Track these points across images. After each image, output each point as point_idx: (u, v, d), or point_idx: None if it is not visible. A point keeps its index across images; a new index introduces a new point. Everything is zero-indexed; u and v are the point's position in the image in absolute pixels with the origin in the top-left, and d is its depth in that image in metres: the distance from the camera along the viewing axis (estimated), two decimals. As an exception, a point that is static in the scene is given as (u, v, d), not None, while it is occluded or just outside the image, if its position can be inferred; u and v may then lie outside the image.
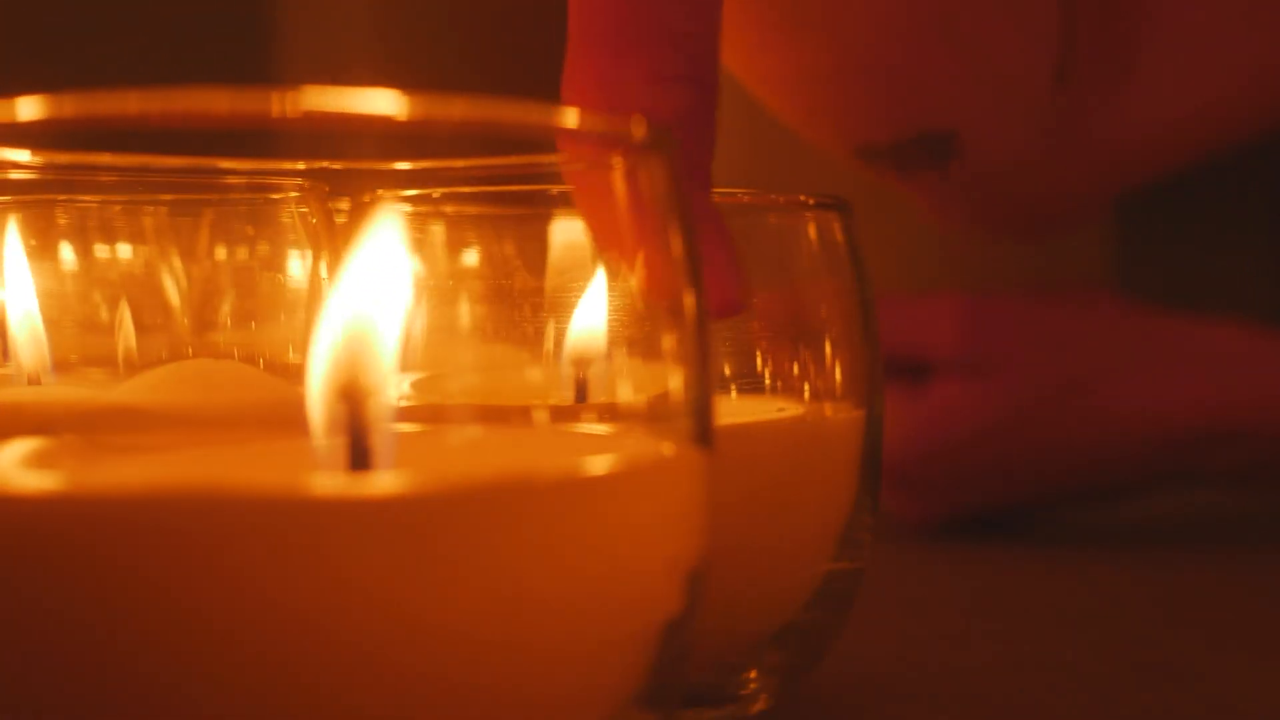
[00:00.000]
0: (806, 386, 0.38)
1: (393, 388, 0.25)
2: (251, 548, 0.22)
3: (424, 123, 0.25)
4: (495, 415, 0.30)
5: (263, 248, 0.35)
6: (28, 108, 0.23)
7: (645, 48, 0.32)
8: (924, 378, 0.65)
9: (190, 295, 0.34)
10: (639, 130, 0.26)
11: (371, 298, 0.26)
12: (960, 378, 0.64)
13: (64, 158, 0.30)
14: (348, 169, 0.35)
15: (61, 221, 0.33)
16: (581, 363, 0.35)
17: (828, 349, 0.38)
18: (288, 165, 0.34)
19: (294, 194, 0.35)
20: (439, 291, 0.36)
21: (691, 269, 0.27)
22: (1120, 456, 0.65)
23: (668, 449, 0.27)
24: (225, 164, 0.33)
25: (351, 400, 0.25)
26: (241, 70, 1.09)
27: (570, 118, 0.26)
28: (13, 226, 0.33)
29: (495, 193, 0.36)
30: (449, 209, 0.36)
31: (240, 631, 0.22)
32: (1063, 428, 0.64)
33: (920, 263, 0.90)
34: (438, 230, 0.36)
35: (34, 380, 0.33)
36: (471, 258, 0.37)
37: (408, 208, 0.35)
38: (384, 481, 0.23)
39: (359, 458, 0.25)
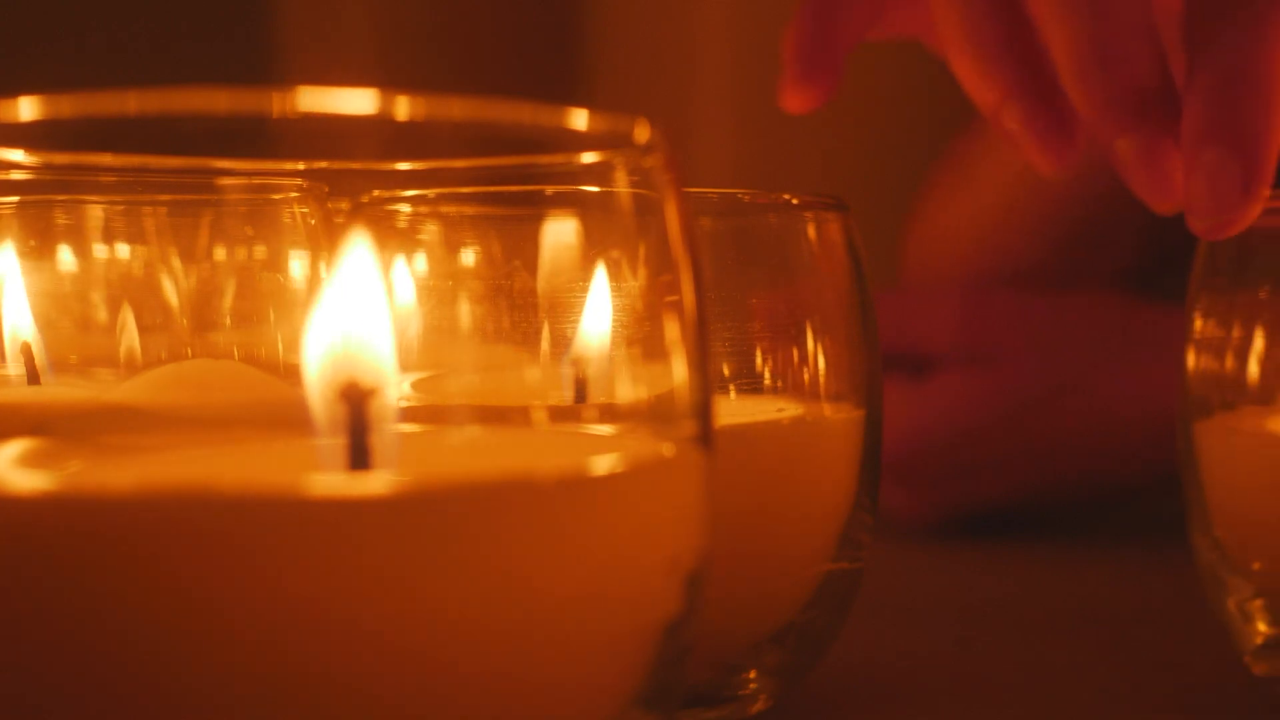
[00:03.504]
0: (806, 386, 0.38)
1: (393, 388, 0.25)
2: (251, 548, 0.22)
3: (424, 123, 0.25)
4: (495, 415, 0.30)
5: (262, 248, 0.35)
6: (27, 108, 0.23)
7: None
8: (923, 372, 0.65)
9: (190, 296, 0.34)
10: (641, 131, 0.26)
11: (369, 298, 0.26)
12: (959, 371, 0.64)
13: (63, 158, 0.30)
14: (348, 169, 0.35)
15: (61, 221, 0.33)
16: (581, 363, 0.35)
17: (827, 349, 0.38)
18: (288, 165, 0.34)
19: (294, 194, 0.35)
20: (438, 292, 0.36)
21: (690, 268, 0.27)
22: (1118, 450, 0.65)
23: (668, 449, 0.27)
24: (225, 164, 0.33)
25: (351, 400, 0.25)
26: (241, 70, 1.09)
27: (570, 118, 0.26)
28: (12, 227, 0.33)
29: (495, 193, 0.36)
30: (448, 209, 0.36)
31: (239, 631, 0.22)
32: (1061, 421, 0.64)
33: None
34: (436, 230, 0.36)
35: (34, 380, 0.33)
36: (470, 258, 0.37)
37: (407, 208, 0.35)
38: (384, 481, 0.23)
39: (359, 458, 0.25)
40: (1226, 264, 0.41)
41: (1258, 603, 0.40)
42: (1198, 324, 0.41)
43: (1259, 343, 0.40)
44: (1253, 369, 0.40)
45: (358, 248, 0.26)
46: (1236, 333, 0.41)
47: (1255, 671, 0.40)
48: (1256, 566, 0.40)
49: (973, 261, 0.71)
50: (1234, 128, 0.37)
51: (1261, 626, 0.40)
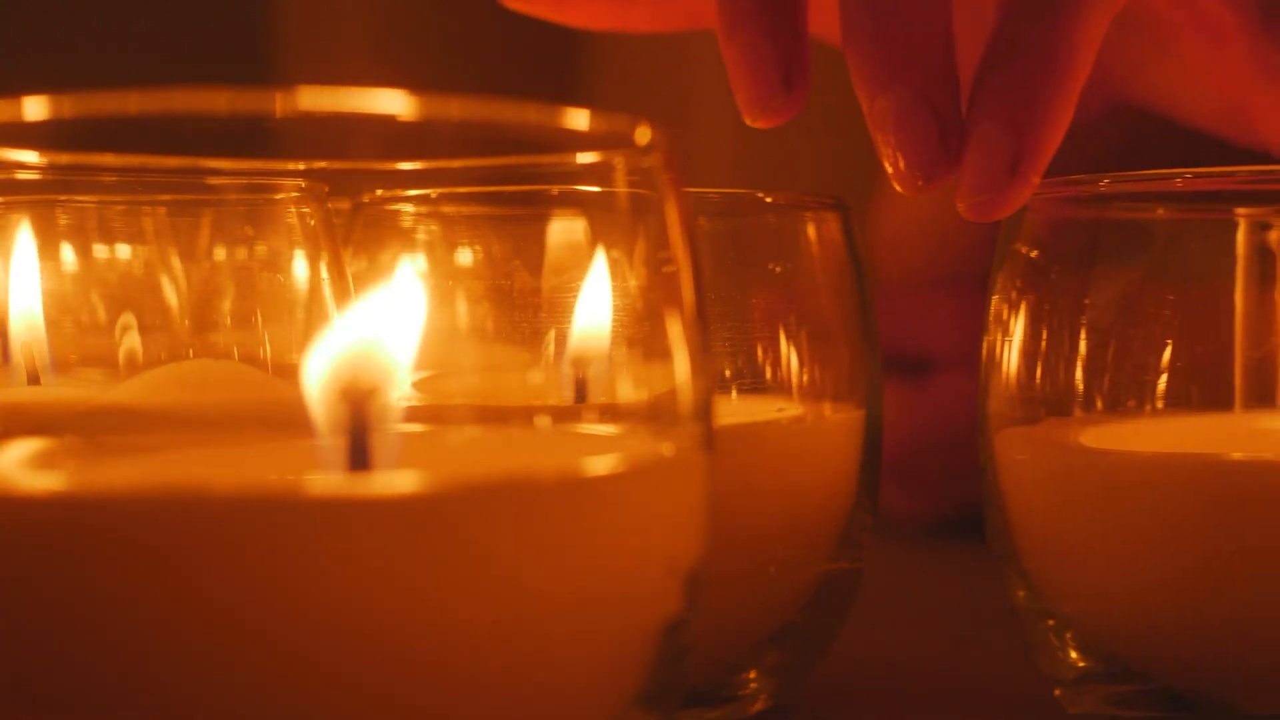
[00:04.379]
0: (806, 386, 0.38)
1: (396, 388, 0.25)
2: (251, 548, 0.22)
3: (424, 123, 0.25)
4: (495, 415, 0.30)
5: (262, 248, 0.35)
6: (29, 108, 0.23)
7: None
8: (923, 372, 0.65)
9: (190, 295, 0.34)
10: (641, 131, 0.26)
11: (377, 300, 0.26)
12: (959, 372, 0.64)
13: (64, 158, 0.30)
14: (348, 169, 0.35)
15: (61, 221, 0.33)
16: (581, 363, 0.35)
17: (828, 349, 0.38)
18: (288, 165, 0.34)
19: (294, 194, 0.35)
20: (439, 292, 0.36)
21: (690, 268, 0.27)
22: None
23: (668, 449, 0.27)
24: (225, 164, 0.33)
25: (351, 400, 0.25)
26: (241, 70, 1.09)
27: (570, 118, 0.26)
28: (13, 226, 0.33)
29: (495, 193, 0.36)
30: (448, 209, 0.36)
31: (239, 631, 0.22)
32: None
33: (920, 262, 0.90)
34: (437, 230, 0.36)
35: (34, 380, 0.33)
36: (471, 258, 0.37)
37: (408, 208, 0.35)
38: (384, 481, 0.23)
39: (359, 458, 0.25)
40: (1029, 255, 0.36)
41: (1068, 634, 0.35)
42: (996, 321, 0.36)
43: (1066, 343, 0.35)
44: (1061, 372, 0.35)
45: (359, 248, 0.26)
46: (1040, 331, 0.35)
47: (1070, 711, 0.35)
48: (1067, 599, 0.35)
49: (921, 260, 0.70)
50: (1013, 103, 0.33)
51: (1074, 657, 0.35)
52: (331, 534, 0.22)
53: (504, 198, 0.36)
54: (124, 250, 0.34)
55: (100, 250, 0.34)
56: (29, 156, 0.28)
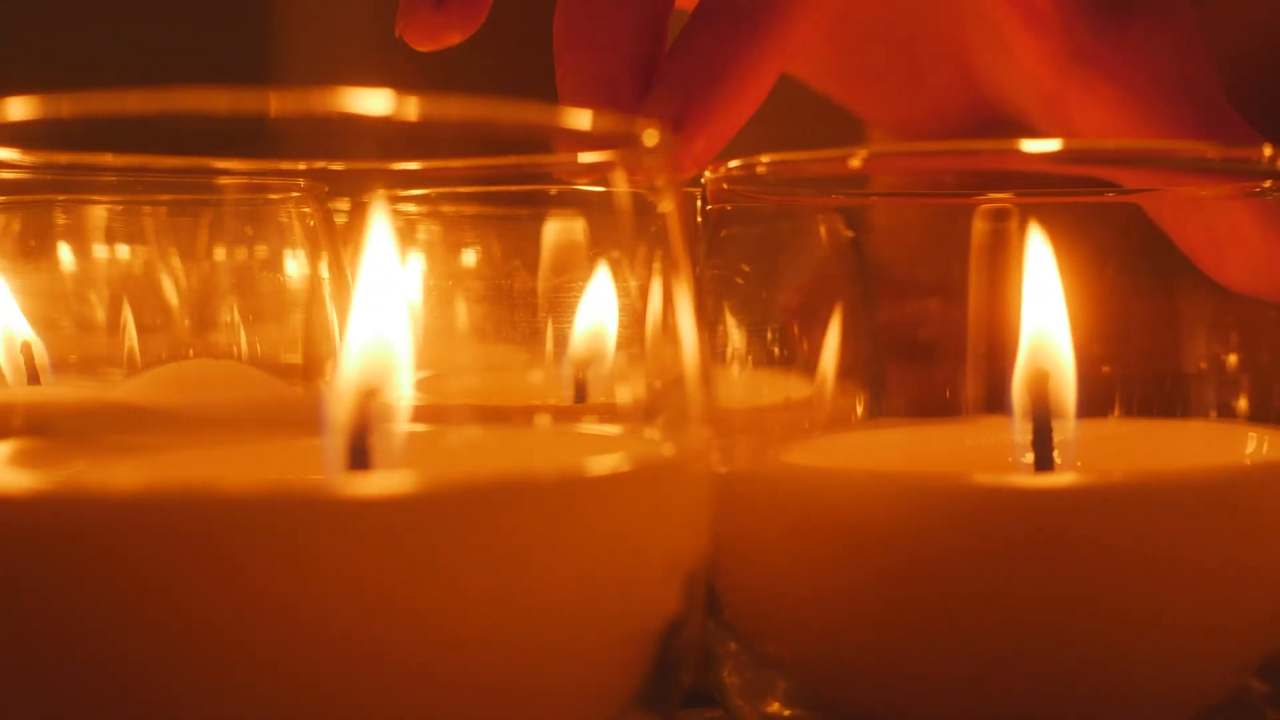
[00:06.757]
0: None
1: (399, 388, 0.25)
2: (251, 548, 0.22)
3: (424, 123, 0.25)
4: (495, 415, 0.30)
5: (262, 248, 0.35)
6: (26, 108, 0.23)
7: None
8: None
9: (190, 295, 0.34)
10: (641, 131, 0.26)
11: (380, 301, 0.26)
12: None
13: (63, 158, 0.30)
14: (348, 169, 0.35)
15: (61, 221, 0.33)
16: (581, 363, 0.35)
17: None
18: (288, 165, 0.34)
19: (294, 194, 0.35)
20: (439, 291, 0.36)
21: (690, 267, 0.27)
22: None
23: (668, 449, 0.27)
24: (225, 164, 0.33)
25: (351, 400, 0.25)
26: (241, 70, 1.09)
27: (570, 118, 0.26)
28: (12, 227, 0.33)
29: (495, 193, 0.36)
30: (449, 209, 0.36)
31: (239, 631, 0.22)
32: None
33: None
34: (437, 230, 0.36)
35: (34, 380, 0.33)
36: (471, 258, 0.37)
37: (407, 208, 0.35)
38: (384, 481, 0.23)
39: (359, 458, 0.25)
40: (710, 248, 0.31)
41: (774, 678, 0.30)
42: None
43: (764, 348, 0.31)
44: (759, 381, 0.31)
45: (359, 248, 0.26)
46: (736, 335, 0.31)
47: None
48: (770, 639, 0.30)
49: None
50: (690, 65, 0.31)
51: (776, 707, 0.30)
52: (331, 534, 0.22)
53: (504, 198, 0.36)
54: (124, 250, 0.34)
55: (100, 250, 0.34)
56: (29, 156, 0.28)
